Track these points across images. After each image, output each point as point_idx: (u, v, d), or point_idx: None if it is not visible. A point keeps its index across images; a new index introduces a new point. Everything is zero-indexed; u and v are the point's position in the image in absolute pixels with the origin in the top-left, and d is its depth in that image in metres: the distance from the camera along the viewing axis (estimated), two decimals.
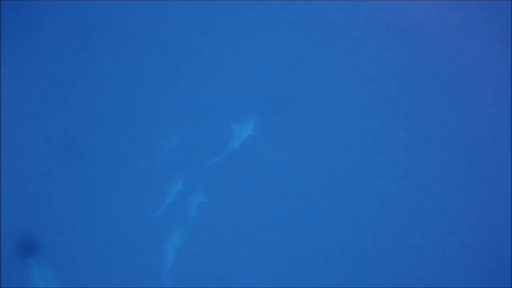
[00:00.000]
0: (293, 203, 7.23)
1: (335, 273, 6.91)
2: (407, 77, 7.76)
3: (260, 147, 7.47)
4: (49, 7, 8.28)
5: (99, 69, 7.92)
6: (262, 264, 7.04)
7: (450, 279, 6.82)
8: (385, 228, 7.04)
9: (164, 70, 7.91)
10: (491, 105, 7.54)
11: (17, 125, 7.63)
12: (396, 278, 6.83)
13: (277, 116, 7.62)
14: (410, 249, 6.96)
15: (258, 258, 7.05)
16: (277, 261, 7.03)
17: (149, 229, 7.16)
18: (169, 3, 8.18)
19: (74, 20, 8.22)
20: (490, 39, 7.84)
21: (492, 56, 7.75)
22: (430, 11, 8.05)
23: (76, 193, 7.30)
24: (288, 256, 7.05)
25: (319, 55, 7.89)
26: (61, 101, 7.78)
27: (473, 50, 7.83)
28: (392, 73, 7.79)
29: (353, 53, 7.90)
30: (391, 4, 8.12)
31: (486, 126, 7.44)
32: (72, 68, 7.95)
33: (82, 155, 7.50)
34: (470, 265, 6.85)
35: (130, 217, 7.19)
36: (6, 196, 7.24)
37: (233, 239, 7.12)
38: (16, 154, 7.48)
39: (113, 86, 7.86)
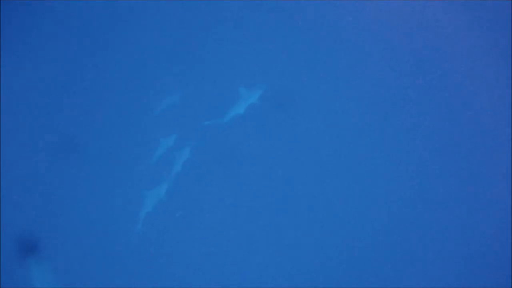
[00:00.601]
0: (278, 181, 7.29)
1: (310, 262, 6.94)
2: (406, 77, 7.78)
3: (261, 118, 7.52)
4: (49, 7, 8.29)
5: (99, 65, 7.99)
6: (231, 230, 7.09)
7: (450, 279, 6.82)
8: (384, 228, 7.04)
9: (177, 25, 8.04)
10: (492, 105, 7.55)
11: (17, 125, 7.64)
12: (395, 278, 6.83)
13: (284, 94, 7.69)
14: (410, 249, 6.96)
15: (233, 225, 7.10)
16: (253, 229, 7.09)
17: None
18: None
19: (74, 20, 8.22)
20: (490, 39, 7.84)
21: (492, 56, 7.76)
22: (430, 11, 8.06)
23: (76, 193, 7.31)
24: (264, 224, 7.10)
25: (329, 53, 7.98)
26: (61, 100, 7.80)
27: (473, 50, 7.83)
28: (392, 72, 7.80)
29: (355, 57, 7.95)
30: (391, 4, 8.13)
31: (487, 126, 7.45)
32: (71, 68, 7.97)
33: (82, 154, 7.51)
34: (470, 265, 6.85)
35: (129, 216, 7.20)
36: (6, 196, 7.25)
37: (212, 201, 7.18)
38: (16, 154, 7.48)
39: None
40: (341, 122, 7.57)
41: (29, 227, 7.12)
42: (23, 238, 7.08)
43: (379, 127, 7.51)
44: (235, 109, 7.50)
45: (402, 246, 6.97)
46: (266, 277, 6.89)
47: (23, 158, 7.48)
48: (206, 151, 7.44)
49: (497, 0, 7.95)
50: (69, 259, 6.99)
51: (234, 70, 7.88)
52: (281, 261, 6.94)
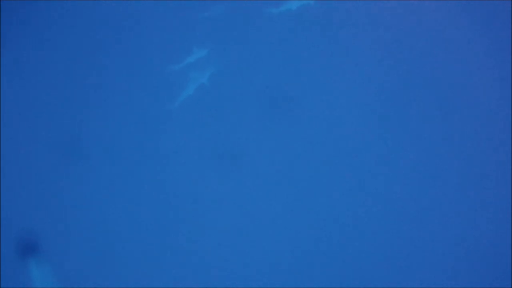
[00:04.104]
0: (277, 181, 7.34)
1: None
2: (407, 77, 7.77)
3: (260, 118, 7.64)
4: (49, 7, 8.29)
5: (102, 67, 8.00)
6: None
7: (451, 279, 6.81)
8: (384, 228, 7.03)
9: None
10: (491, 105, 7.55)
11: (17, 125, 7.64)
12: (396, 278, 6.82)
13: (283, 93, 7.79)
14: (410, 249, 6.95)
15: (232, 223, 7.15)
16: None
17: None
18: None
19: (74, 20, 8.22)
20: (490, 39, 7.84)
21: (492, 56, 7.75)
22: (430, 11, 8.06)
23: (76, 193, 7.30)
24: None
25: (321, 54, 7.96)
26: (61, 101, 7.80)
27: (473, 50, 7.83)
28: (392, 72, 7.80)
29: (354, 52, 7.94)
30: (391, 4, 8.12)
31: (487, 126, 7.44)
32: (72, 68, 7.97)
33: (83, 154, 7.51)
34: (470, 265, 6.84)
35: (130, 217, 7.20)
36: (6, 196, 7.24)
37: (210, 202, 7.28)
38: (16, 154, 7.48)
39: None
40: (341, 122, 7.57)
41: (29, 227, 7.11)
42: (23, 238, 7.08)
43: (378, 127, 7.51)
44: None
45: (402, 247, 6.97)
46: (265, 276, 6.90)
47: (23, 158, 7.47)
48: (206, 154, 7.48)
49: (497, 0, 7.95)
50: (69, 259, 6.99)
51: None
52: (280, 260, 6.96)
